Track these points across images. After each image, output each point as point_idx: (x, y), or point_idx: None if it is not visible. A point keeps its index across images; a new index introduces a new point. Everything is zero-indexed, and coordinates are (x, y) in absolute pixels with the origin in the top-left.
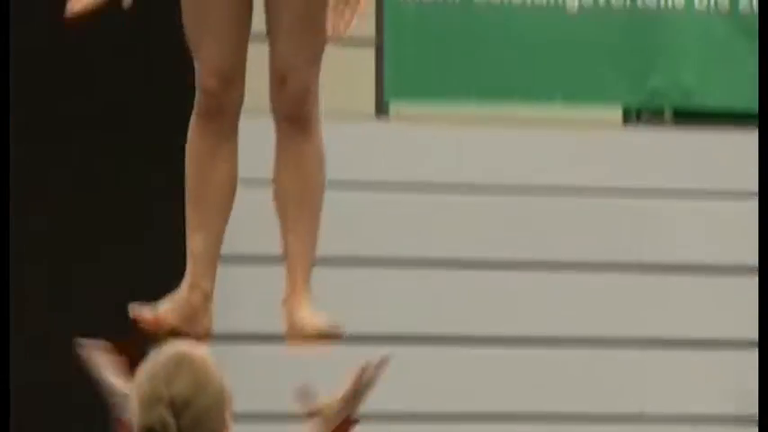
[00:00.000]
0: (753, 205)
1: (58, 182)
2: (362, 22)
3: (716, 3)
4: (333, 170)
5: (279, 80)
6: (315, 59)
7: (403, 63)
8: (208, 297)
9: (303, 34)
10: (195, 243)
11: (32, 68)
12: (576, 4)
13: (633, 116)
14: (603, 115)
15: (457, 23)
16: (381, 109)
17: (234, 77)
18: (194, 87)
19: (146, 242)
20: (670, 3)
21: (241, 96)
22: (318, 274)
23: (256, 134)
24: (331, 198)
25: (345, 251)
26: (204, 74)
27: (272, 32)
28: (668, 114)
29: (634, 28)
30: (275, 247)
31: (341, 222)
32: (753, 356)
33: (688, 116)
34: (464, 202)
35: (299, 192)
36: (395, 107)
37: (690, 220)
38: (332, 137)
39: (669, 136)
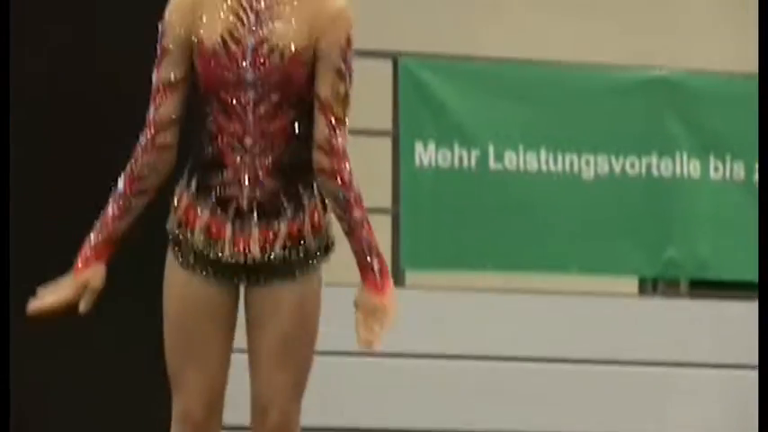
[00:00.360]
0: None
1: (58, 182)
2: (379, 191)
3: (731, 172)
4: (348, 340)
5: (260, 412)
6: (297, 392)
7: (419, 233)
8: None
9: (285, 367)
10: None
11: (33, 68)
12: (592, 172)
13: (649, 286)
14: (619, 285)
15: (473, 191)
16: (398, 278)
17: (217, 405)
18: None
19: (146, 241)
20: (686, 172)
21: (220, 421)
22: None
23: None
24: (347, 365)
25: (360, 420)
26: (188, 404)
27: (253, 363)
28: (684, 285)
29: (650, 197)
30: None
31: (355, 391)
32: None
33: (704, 286)
34: (478, 370)
35: None
36: (411, 276)
37: (704, 391)
38: (346, 305)
39: (684, 306)
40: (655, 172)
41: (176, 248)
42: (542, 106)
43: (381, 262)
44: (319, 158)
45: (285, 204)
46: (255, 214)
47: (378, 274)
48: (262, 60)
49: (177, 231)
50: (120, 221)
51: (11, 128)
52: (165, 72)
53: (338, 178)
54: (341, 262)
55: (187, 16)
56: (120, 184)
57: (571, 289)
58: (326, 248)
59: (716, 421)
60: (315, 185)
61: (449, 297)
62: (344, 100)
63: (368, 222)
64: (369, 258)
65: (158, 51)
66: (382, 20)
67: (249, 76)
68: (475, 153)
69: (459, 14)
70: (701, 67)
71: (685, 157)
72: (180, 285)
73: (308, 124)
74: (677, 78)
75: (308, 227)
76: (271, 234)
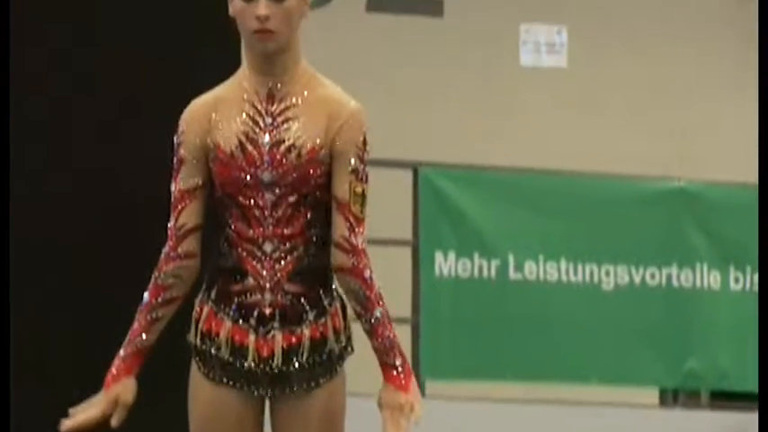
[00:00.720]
0: None
1: (58, 182)
2: (399, 301)
3: (751, 283)
4: None
5: None
6: None
7: (439, 343)
8: None
9: None
10: None
11: (33, 68)
12: (612, 283)
13: (670, 397)
14: (640, 396)
15: (492, 301)
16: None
17: None
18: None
19: (146, 242)
20: (706, 283)
21: None
22: None
23: None
24: None
25: None
26: None
27: None
28: (705, 396)
29: (670, 308)
30: None
31: None
32: None
33: (724, 398)
34: None
35: None
36: (431, 386)
37: None
38: (365, 415)
39: (705, 417)
40: (675, 283)
41: (199, 360)
42: (562, 216)
43: (403, 359)
44: (338, 257)
45: (307, 309)
46: (278, 320)
47: (401, 372)
48: (279, 160)
49: (200, 343)
50: (148, 334)
51: (11, 128)
52: (184, 182)
53: (358, 276)
54: (360, 371)
55: (203, 124)
56: (146, 295)
57: (591, 399)
58: (346, 348)
59: None
60: (334, 288)
61: (469, 407)
62: (362, 199)
63: (389, 319)
64: (391, 356)
65: (175, 161)
66: (402, 130)
67: (267, 176)
68: (495, 263)
69: (479, 125)
70: (720, 178)
71: (705, 268)
72: (204, 397)
73: (325, 227)
74: (696, 189)
75: (330, 331)
76: (294, 339)
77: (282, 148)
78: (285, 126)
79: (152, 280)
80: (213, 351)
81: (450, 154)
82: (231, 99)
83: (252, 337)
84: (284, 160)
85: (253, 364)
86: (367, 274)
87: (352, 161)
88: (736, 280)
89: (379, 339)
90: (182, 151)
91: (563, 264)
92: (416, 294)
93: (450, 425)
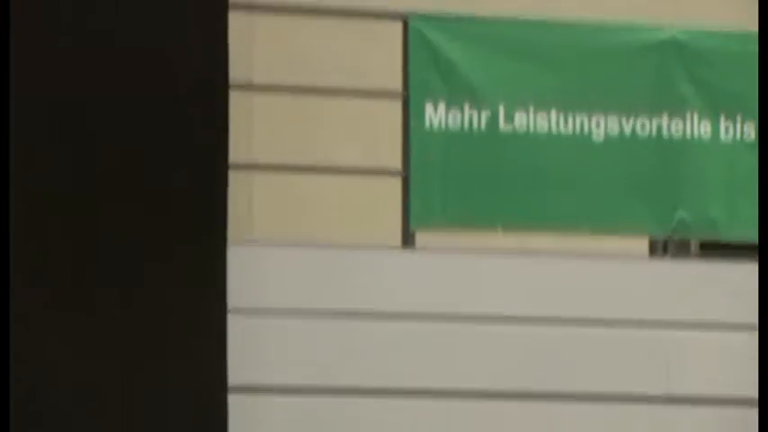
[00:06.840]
0: None
1: (58, 183)
2: (389, 153)
3: (742, 133)
4: (359, 300)
5: None
6: None
7: (429, 195)
8: None
9: None
10: None
11: (33, 67)
12: (602, 133)
13: (660, 247)
14: (630, 247)
15: (482, 153)
16: (407, 240)
17: None
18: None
19: (145, 243)
20: (696, 133)
21: None
22: (336, 403)
23: None
24: (357, 328)
25: (369, 381)
26: None
27: None
28: (694, 246)
29: (660, 158)
30: None
31: (364, 353)
32: None
33: (714, 248)
34: (489, 332)
35: None
36: (421, 237)
37: (713, 352)
38: (357, 267)
39: (695, 267)
40: (665, 133)
41: None
42: (553, 67)
43: None
44: None
45: None
46: None
47: None
48: None
49: None
50: None
51: (11, 128)
52: None
53: None
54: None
55: None
56: None
57: (582, 250)
58: None
59: (721, 382)
60: None
61: (459, 258)
62: None
63: None
64: None
65: None
66: None
67: None
68: (485, 114)
69: None
70: (712, 26)
71: (696, 118)
72: None
73: None
74: (687, 37)
75: None
76: None
77: None
78: None
79: None
80: None
81: (441, 4)
82: None
83: None
84: None
85: None
86: None
87: None
88: (727, 129)
89: None
90: None
91: (553, 114)
92: (406, 146)
93: (440, 276)
